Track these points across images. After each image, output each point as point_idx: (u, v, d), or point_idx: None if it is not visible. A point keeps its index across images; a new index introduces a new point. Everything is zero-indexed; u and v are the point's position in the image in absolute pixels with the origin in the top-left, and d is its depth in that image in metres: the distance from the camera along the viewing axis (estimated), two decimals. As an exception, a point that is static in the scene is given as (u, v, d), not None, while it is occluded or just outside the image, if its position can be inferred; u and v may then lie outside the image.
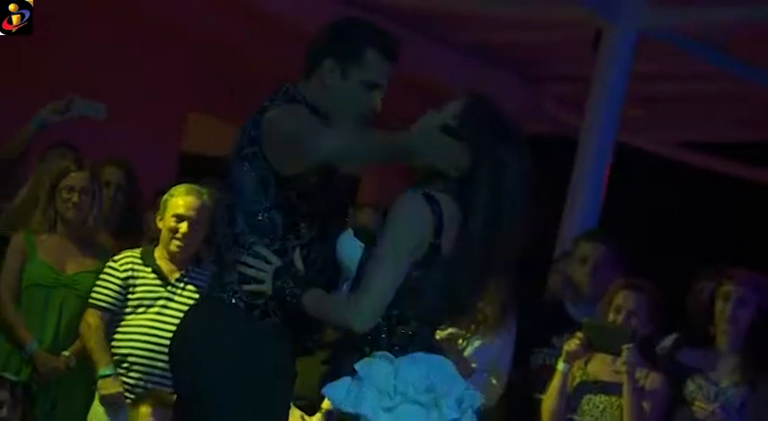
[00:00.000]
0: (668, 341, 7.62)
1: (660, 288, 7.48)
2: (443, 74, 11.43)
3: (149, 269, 7.61)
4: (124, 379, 7.50)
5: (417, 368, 4.72)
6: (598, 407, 7.32)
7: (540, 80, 12.04)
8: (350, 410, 4.68)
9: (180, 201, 7.53)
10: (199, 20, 10.72)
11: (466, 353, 7.53)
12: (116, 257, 7.65)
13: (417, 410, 4.67)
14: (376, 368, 4.69)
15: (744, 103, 11.02)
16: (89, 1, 10.54)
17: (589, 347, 7.29)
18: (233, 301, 4.91)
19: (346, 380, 4.72)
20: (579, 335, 7.30)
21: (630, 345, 7.20)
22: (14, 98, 9.62)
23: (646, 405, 7.26)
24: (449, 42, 11.41)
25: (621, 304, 7.35)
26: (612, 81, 9.24)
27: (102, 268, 7.66)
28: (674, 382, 7.33)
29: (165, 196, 7.62)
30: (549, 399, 7.35)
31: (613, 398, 7.30)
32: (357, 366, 4.70)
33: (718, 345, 7.39)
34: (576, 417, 7.35)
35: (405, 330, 4.76)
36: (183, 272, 7.58)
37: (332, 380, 4.78)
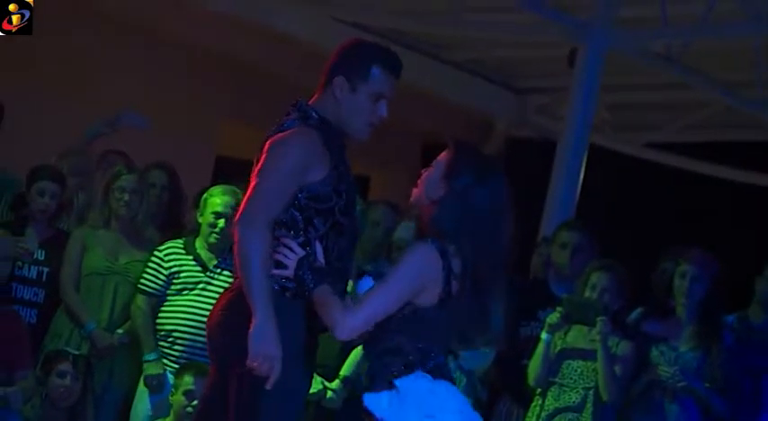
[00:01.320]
0: (635, 314, 7.64)
1: (628, 268, 7.50)
2: (441, 87, 11.49)
3: (191, 257, 7.58)
4: (169, 351, 7.49)
5: (449, 392, 4.67)
6: (576, 370, 7.35)
7: (525, 92, 12.04)
8: None
9: (218, 199, 7.48)
10: (226, 43, 10.74)
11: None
12: (161, 248, 7.63)
13: None
14: (417, 384, 4.63)
15: (699, 108, 11.07)
16: (147, 36, 10.54)
17: (568, 320, 7.34)
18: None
19: (386, 393, 4.65)
20: (560, 309, 7.36)
21: (604, 318, 7.25)
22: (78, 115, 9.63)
23: (617, 368, 7.28)
24: (446, 60, 11.45)
25: (595, 282, 7.38)
26: (585, 91, 9.18)
27: (150, 258, 7.64)
28: (640, 349, 7.36)
29: (205, 195, 7.59)
30: (534, 365, 7.38)
31: (589, 363, 7.32)
32: (398, 381, 4.64)
33: (677, 317, 7.45)
34: (557, 380, 7.37)
35: (431, 361, 4.69)
36: (219, 259, 7.54)
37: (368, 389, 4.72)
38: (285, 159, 4.85)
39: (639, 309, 7.66)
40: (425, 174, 4.80)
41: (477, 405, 7.64)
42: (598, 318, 7.26)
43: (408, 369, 4.67)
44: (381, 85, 4.99)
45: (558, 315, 7.34)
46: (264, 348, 4.73)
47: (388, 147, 11.20)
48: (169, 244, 7.67)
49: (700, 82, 9.89)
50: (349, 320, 4.63)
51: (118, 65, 10.36)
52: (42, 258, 7.74)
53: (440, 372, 4.70)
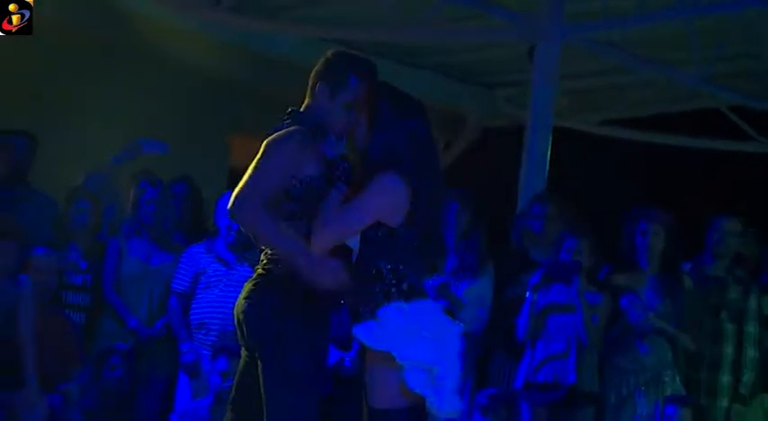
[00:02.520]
0: (605, 270, 7.62)
1: (595, 231, 7.53)
2: (418, 89, 11.49)
3: (213, 256, 7.60)
4: (204, 339, 7.52)
5: (422, 310, 4.71)
6: (559, 323, 7.35)
7: (494, 86, 12.09)
8: (376, 347, 4.66)
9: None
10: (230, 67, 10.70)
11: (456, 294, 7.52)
12: (187, 251, 7.68)
13: (425, 342, 4.65)
14: (393, 313, 4.65)
15: (645, 87, 11.12)
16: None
17: (549, 279, 7.39)
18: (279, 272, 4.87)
19: (370, 323, 4.67)
20: (540, 271, 7.41)
21: (580, 275, 7.31)
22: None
23: (594, 318, 7.33)
24: (420, 65, 11.49)
25: (569, 246, 7.39)
26: (545, 82, 9.17)
27: (179, 260, 7.70)
28: (612, 299, 7.40)
29: (221, 202, 7.59)
30: (521, 322, 7.39)
31: (570, 317, 7.32)
32: (378, 312, 4.66)
33: (641, 269, 7.47)
34: (542, 333, 7.36)
35: (406, 283, 4.74)
36: (237, 256, 7.58)
37: (356, 322, 4.73)
38: (275, 153, 4.80)
39: (608, 266, 7.65)
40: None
41: (474, 359, 7.75)
42: (574, 277, 7.31)
43: (387, 297, 4.71)
44: (356, 93, 4.93)
45: (539, 276, 7.38)
46: (326, 274, 4.70)
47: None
48: (194, 247, 7.70)
49: (642, 63, 9.93)
50: (324, 233, 4.71)
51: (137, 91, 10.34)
52: (85, 267, 7.80)
53: (415, 294, 4.75)
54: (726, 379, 7.52)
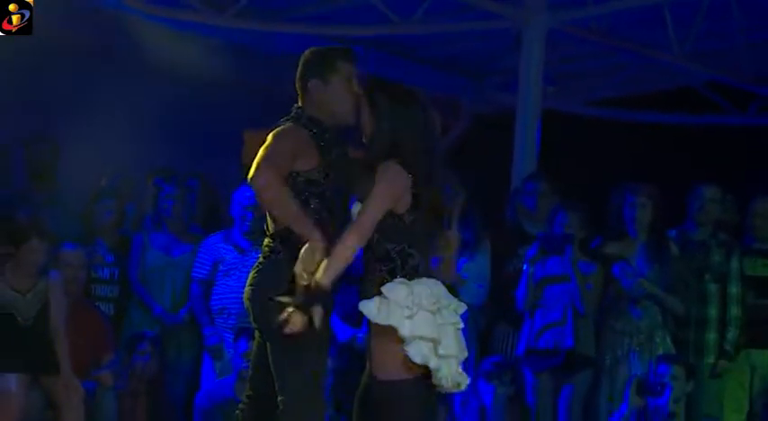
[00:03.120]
0: (597, 241, 7.65)
1: (585, 205, 7.56)
2: (414, 80, 11.48)
3: (230, 245, 7.61)
4: (226, 322, 7.52)
5: (424, 287, 4.73)
6: (555, 293, 7.38)
7: (483, 75, 12.06)
8: (381, 322, 4.67)
9: (245, 195, 7.50)
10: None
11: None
12: (205, 241, 7.68)
13: (428, 316, 4.68)
14: (397, 289, 4.69)
15: (625, 68, 11.11)
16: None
17: (544, 252, 7.41)
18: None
19: (375, 299, 4.70)
20: (536, 245, 7.42)
21: (573, 246, 7.34)
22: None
23: (588, 286, 7.37)
24: (416, 58, 11.47)
25: (562, 220, 7.42)
26: (532, 68, 9.22)
27: (198, 249, 7.70)
28: (604, 268, 7.42)
29: (235, 194, 7.62)
30: (520, 293, 7.42)
31: (566, 287, 7.35)
32: (383, 289, 4.69)
33: (630, 238, 7.50)
34: (540, 302, 7.40)
35: (411, 262, 4.76)
36: (252, 243, 7.50)
37: (363, 299, 4.75)
38: (275, 144, 4.82)
39: (600, 237, 7.68)
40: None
41: (477, 332, 7.76)
42: (568, 248, 7.34)
43: (392, 274, 4.73)
44: (348, 71, 4.96)
45: (534, 249, 7.39)
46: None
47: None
48: (211, 237, 7.72)
49: (622, 45, 9.93)
50: (356, 228, 4.70)
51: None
52: (112, 261, 7.83)
53: (420, 273, 4.76)
54: (712, 337, 7.55)
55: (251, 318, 4.96)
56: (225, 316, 7.60)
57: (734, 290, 7.55)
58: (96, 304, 7.72)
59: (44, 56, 8.75)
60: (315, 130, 4.92)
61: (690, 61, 10.27)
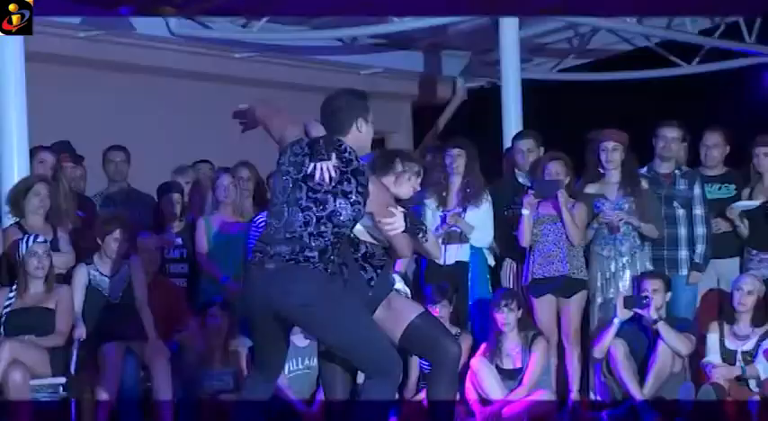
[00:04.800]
0: (580, 182, 7.61)
1: (568, 153, 7.55)
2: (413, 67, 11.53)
3: None
4: None
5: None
6: (551, 230, 7.38)
7: (472, 54, 12.03)
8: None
9: None
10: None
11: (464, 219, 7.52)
12: (256, 218, 7.56)
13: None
14: None
15: (590, 36, 11.07)
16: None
17: (538, 197, 7.41)
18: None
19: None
20: (530, 192, 7.41)
21: (561, 190, 7.33)
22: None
23: (576, 222, 7.34)
24: (413, 48, 11.45)
25: (550, 169, 7.41)
26: (510, 47, 9.16)
27: (251, 226, 7.55)
28: (588, 205, 7.41)
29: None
30: (520, 233, 7.41)
31: (558, 224, 7.36)
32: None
33: (608, 178, 7.47)
34: (539, 239, 7.39)
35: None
36: None
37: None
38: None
39: (581, 179, 7.64)
40: None
41: (488, 268, 7.77)
42: (557, 192, 7.34)
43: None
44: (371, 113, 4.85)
45: (529, 196, 7.38)
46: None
47: (389, 112, 11.23)
48: (260, 214, 7.62)
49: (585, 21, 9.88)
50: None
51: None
52: (181, 243, 7.87)
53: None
54: (683, 253, 7.52)
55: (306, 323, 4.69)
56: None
57: (698, 212, 7.52)
58: (171, 280, 7.75)
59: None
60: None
61: (644, 25, 10.24)
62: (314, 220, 4.60)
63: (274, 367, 4.85)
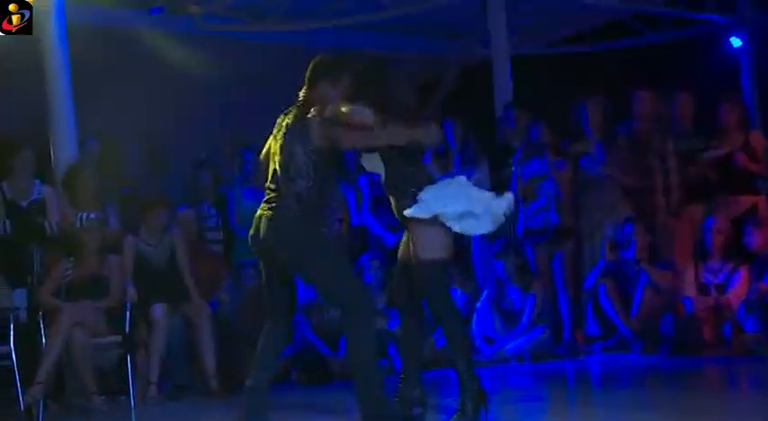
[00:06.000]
0: (565, 142, 7.61)
1: (553, 119, 7.58)
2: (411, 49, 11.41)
3: None
4: None
5: (445, 183, 4.65)
6: (540, 185, 7.40)
7: (462, 36, 11.93)
8: (427, 215, 4.52)
9: None
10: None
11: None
12: None
13: (460, 197, 4.53)
14: (428, 191, 4.56)
15: (571, 13, 10.97)
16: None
17: (527, 156, 7.42)
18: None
19: (417, 204, 4.54)
20: (519, 153, 7.44)
21: (547, 150, 7.40)
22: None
23: (562, 177, 7.41)
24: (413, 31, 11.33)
25: (536, 132, 7.43)
26: (499, 25, 9.08)
27: None
28: (573, 162, 7.44)
29: None
30: (513, 188, 7.30)
31: (546, 181, 7.38)
32: (419, 196, 4.56)
33: (589, 137, 7.50)
34: (531, 194, 7.41)
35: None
36: None
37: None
38: None
39: (566, 139, 7.66)
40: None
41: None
42: (544, 152, 7.36)
43: (419, 189, 4.65)
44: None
45: (519, 156, 7.43)
46: None
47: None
48: None
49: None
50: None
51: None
52: (214, 213, 7.86)
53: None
54: (660, 200, 7.56)
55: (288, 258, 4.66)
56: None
57: (671, 163, 7.52)
58: (209, 246, 7.76)
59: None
60: None
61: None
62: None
63: (278, 312, 4.76)
